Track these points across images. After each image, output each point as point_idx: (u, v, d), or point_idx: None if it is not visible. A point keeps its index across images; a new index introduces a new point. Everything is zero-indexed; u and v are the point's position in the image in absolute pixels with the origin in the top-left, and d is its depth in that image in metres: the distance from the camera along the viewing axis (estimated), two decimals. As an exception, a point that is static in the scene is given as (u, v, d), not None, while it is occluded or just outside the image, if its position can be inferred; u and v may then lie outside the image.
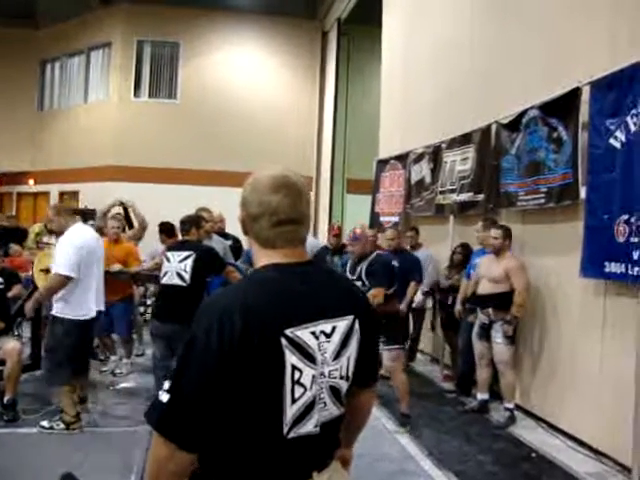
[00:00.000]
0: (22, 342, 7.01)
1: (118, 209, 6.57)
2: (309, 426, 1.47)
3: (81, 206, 13.90)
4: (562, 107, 4.95)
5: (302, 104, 14.69)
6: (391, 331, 4.97)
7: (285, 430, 1.42)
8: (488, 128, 6.21)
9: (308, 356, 1.44)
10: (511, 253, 5.41)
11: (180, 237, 5.45)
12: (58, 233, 4.90)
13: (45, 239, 6.59)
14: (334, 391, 1.53)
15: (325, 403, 1.51)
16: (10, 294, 6.67)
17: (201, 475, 1.47)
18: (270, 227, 1.51)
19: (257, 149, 13.25)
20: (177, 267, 4.94)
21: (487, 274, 5.39)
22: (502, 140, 5.91)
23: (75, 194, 14.69)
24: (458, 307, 6.08)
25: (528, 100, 5.44)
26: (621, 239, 4.21)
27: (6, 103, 15.71)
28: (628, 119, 4.18)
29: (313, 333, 1.46)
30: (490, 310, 5.31)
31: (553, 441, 4.88)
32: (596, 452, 4.52)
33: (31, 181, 16.01)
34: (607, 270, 4.35)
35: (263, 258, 1.55)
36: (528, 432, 5.08)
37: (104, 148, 14.04)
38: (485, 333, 5.38)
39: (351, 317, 1.56)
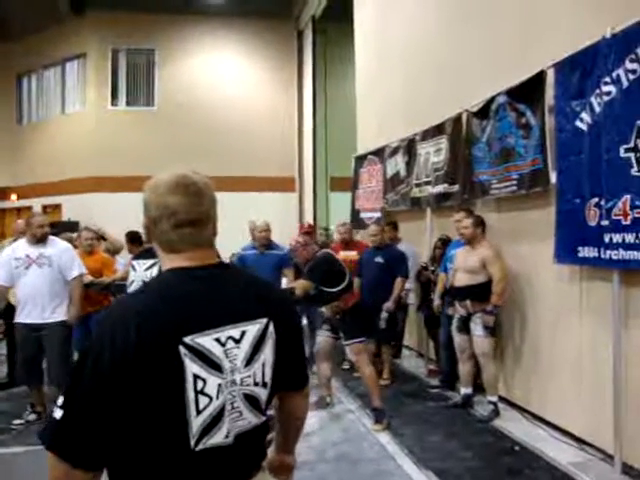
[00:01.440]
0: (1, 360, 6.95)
1: (87, 234, 6.51)
2: (219, 437, 1.38)
3: (64, 219, 13.80)
4: (529, 92, 4.87)
5: (281, 104, 14.61)
6: (348, 325, 5.07)
7: (192, 442, 1.34)
8: (459, 117, 6.12)
9: (212, 364, 1.35)
10: (486, 242, 5.32)
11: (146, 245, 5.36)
12: (45, 240, 5.08)
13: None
14: (250, 399, 1.44)
15: (240, 412, 1.42)
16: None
17: None
18: (170, 229, 1.44)
19: (237, 152, 13.17)
20: (142, 275, 4.85)
21: (463, 265, 5.30)
22: (473, 129, 5.82)
23: (58, 207, 14.55)
24: (436, 301, 5.99)
25: (498, 87, 5.35)
26: (593, 223, 4.12)
27: (-16, 119, 15.57)
28: (592, 99, 4.09)
29: (218, 340, 1.38)
30: (468, 302, 5.22)
31: (537, 432, 4.79)
32: (579, 441, 4.43)
33: (13, 196, 15.87)
34: (581, 255, 4.26)
35: (167, 262, 1.47)
36: (512, 424, 4.98)
37: (84, 159, 13.93)
38: (464, 326, 5.29)
39: (264, 320, 1.48)
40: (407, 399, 5.78)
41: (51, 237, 5.32)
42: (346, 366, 6.78)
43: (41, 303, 5.03)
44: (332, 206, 13.26)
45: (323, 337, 5.33)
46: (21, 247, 5.15)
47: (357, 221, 8.98)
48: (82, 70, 14.87)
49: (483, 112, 5.61)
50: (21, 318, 5.09)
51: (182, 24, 14.16)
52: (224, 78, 14.47)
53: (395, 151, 7.79)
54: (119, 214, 11.07)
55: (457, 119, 6.17)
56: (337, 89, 13.37)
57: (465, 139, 5.99)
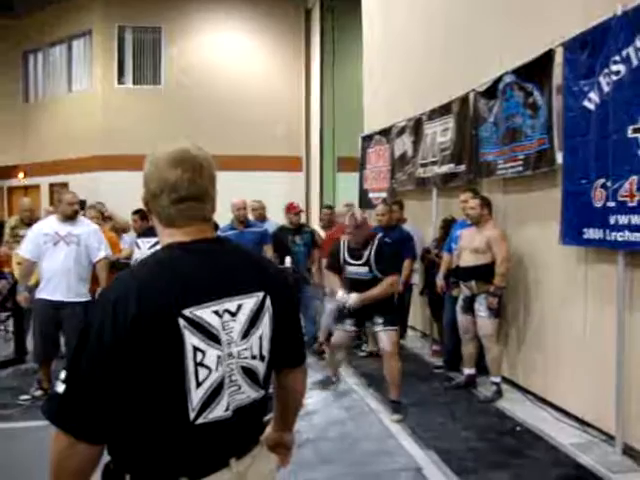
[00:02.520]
0: (8, 337, 7.02)
1: (92, 212, 6.56)
2: (219, 410, 1.40)
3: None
4: (536, 71, 4.81)
5: (288, 84, 14.50)
6: (389, 312, 4.80)
7: (192, 416, 1.36)
8: (466, 97, 6.06)
9: (211, 336, 1.37)
10: (492, 223, 5.29)
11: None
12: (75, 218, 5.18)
13: (21, 232, 6.50)
14: (248, 372, 1.46)
15: (239, 386, 1.44)
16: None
17: (113, 469, 1.41)
18: (170, 204, 1.44)
19: (245, 131, 13.10)
20: (147, 253, 4.85)
21: (469, 245, 5.28)
22: (480, 108, 5.76)
23: (65, 186, 14.55)
24: (440, 282, 5.97)
25: (505, 67, 5.29)
26: (598, 204, 4.09)
27: (-9, 96, 15.54)
28: (601, 79, 4.03)
29: (216, 312, 1.39)
30: (473, 283, 5.21)
31: (540, 413, 4.80)
32: (582, 422, 4.44)
33: (21, 174, 15.90)
34: (586, 236, 4.24)
35: (166, 237, 1.48)
36: (515, 405, 5.00)
37: (90, 138, 13.91)
38: (469, 306, 5.28)
39: (260, 294, 1.49)
40: (411, 379, 5.77)
41: (81, 217, 5.39)
42: (363, 353, 6.68)
43: (66, 281, 5.08)
44: (339, 186, 13.21)
45: (346, 332, 4.99)
46: (51, 223, 5.21)
47: (365, 201, 8.95)
48: (88, 47, 14.78)
49: (490, 92, 5.55)
50: (43, 294, 5.13)
51: (189, 2, 14.03)
52: (231, 56, 14.36)
53: (402, 131, 7.73)
54: (126, 193, 11.08)
55: (464, 99, 6.10)
56: (345, 68, 13.23)
57: (472, 119, 5.93)
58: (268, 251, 6.52)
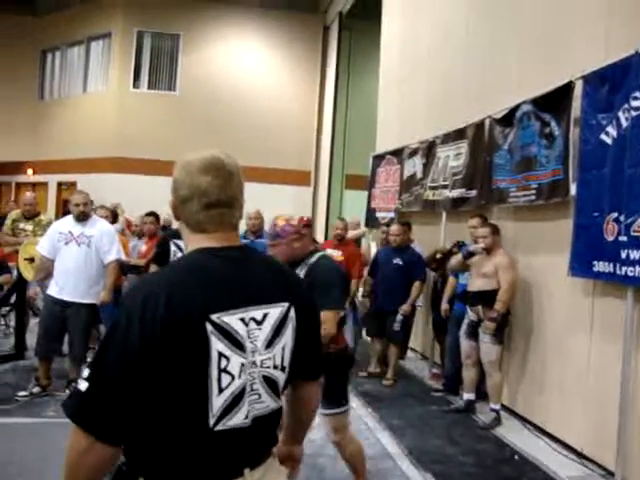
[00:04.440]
0: (8, 332, 7.01)
1: (101, 212, 6.59)
2: (239, 418, 1.40)
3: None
4: (555, 102, 4.83)
5: (302, 98, 14.60)
6: (334, 384, 3.11)
7: (212, 422, 1.36)
8: (482, 123, 6.09)
9: (236, 343, 1.37)
10: (502, 250, 5.30)
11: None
12: (84, 219, 5.15)
13: (21, 225, 6.54)
14: (269, 382, 1.46)
15: (259, 395, 1.44)
16: (-5, 282, 6.64)
17: (127, 471, 1.41)
18: (200, 210, 1.45)
19: (256, 142, 13.17)
20: None
21: (477, 271, 5.28)
22: (495, 135, 5.79)
23: (73, 184, 14.61)
24: (444, 305, 5.97)
25: (522, 95, 5.32)
26: (610, 238, 4.09)
27: (6, 92, 15.67)
28: (620, 114, 4.05)
29: (242, 319, 1.40)
30: (479, 307, 5.21)
31: (538, 443, 4.77)
32: (581, 456, 4.41)
33: (30, 171, 15.96)
34: (595, 269, 4.24)
35: (193, 243, 1.48)
36: (513, 434, 4.97)
37: (103, 139, 13.98)
38: (473, 331, 5.27)
39: (285, 304, 1.49)
40: (409, 400, 5.78)
41: (96, 217, 5.41)
42: (363, 373, 6.53)
43: (74, 281, 5.09)
44: (346, 203, 13.24)
45: None
46: (66, 223, 5.24)
47: (372, 220, 8.97)
48: (106, 50, 14.92)
49: (506, 119, 5.58)
50: (52, 292, 5.15)
51: (209, 11, 14.18)
52: (247, 68, 14.48)
53: (414, 152, 7.76)
54: (134, 195, 11.16)
55: (479, 125, 6.14)
56: (359, 86, 13.34)
57: (486, 145, 5.96)
58: None
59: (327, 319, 2.96)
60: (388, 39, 9.94)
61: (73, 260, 5.09)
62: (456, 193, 6.52)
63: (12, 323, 6.76)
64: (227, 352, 1.35)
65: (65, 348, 5.51)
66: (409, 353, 7.55)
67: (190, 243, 1.49)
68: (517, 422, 5.23)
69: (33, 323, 6.68)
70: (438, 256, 6.31)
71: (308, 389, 1.71)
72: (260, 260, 1.58)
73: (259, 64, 14.58)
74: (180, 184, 1.48)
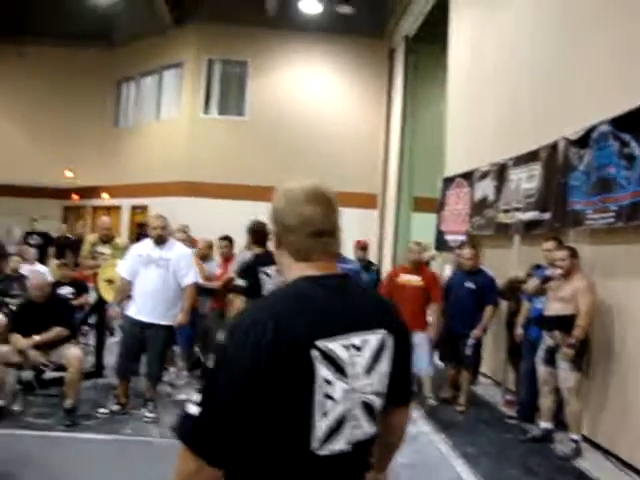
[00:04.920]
0: (88, 350, 7.28)
1: (180, 235, 6.81)
2: (341, 443, 1.41)
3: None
4: (635, 121, 4.70)
5: (369, 121, 14.67)
6: None
7: (315, 446, 1.38)
8: (555, 145, 5.97)
9: (339, 369, 1.40)
10: (581, 274, 5.14)
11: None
12: (162, 242, 5.32)
13: (99, 249, 6.81)
14: (367, 408, 1.47)
15: (358, 421, 1.45)
16: (76, 302, 6.94)
17: None
18: (305, 238, 1.49)
19: (323, 166, 13.27)
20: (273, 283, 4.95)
21: (555, 295, 5.15)
22: (570, 156, 5.67)
23: (145, 208, 15.12)
24: (519, 330, 5.84)
25: (596, 114, 5.20)
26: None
27: (85, 120, 16.46)
28: None
29: (344, 346, 1.42)
30: (557, 333, 5.07)
31: (623, 479, 4.57)
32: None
33: (105, 195, 16.62)
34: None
35: (296, 271, 1.51)
36: (595, 467, 4.77)
37: (174, 164, 14.42)
38: (551, 357, 5.13)
39: (383, 331, 1.51)
40: (483, 427, 5.65)
41: (174, 241, 5.57)
42: (445, 394, 6.46)
43: (152, 303, 5.24)
44: (413, 226, 13.17)
45: None
46: (146, 246, 5.44)
47: (441, 243, 8.90)
48: (178, 78, 15.45)
49: (582, 140, 5.46)
50: (131, 313, 5.34)
51: (276, 38, 14.49)
52: (313, 93, 14.69)
53: (485, 175, 7.68)
54: (204, 218, 11.44)
55: (553, 146, 6.02)
56: (426, 109, 13.31)
57: (561, 167, 5.84)
58: None
59: None
60: (455, 61, 9.92)
61: (151, 282, 5.25)
62: (529, 216, 6.40)
63: (91, 342, 7.01)
64: (331, 378, 1.37)
65: (142, 368, 5.67)
66: (480, 378, 7.40)
67: (292, 271, 1.52)
68: (599, 454, 5.02)
69: (109, 343, 6.93)
70: (510, 285, 6.23)
71: (399, 415, 1.71)
72: (358, 288, 1.62)
73: (325, 89, 14.77)
74: (284, 213, 1.51)
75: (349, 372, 1.41)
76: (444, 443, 5.15)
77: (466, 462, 4.73)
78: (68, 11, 15.38)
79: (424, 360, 5.93)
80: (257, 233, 5.59)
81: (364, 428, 1.47)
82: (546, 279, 5.29)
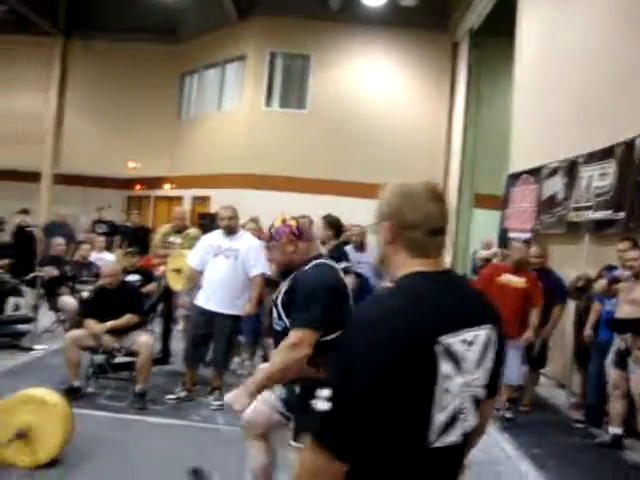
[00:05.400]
0: (154, 337, 7.48)
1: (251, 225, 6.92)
2: (454, 435, 1.45)
3: (212, 211, 14.58)
4: None
5: (431, 115, 14.53)
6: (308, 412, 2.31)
7: (432, 439, 1.41)
8: (632, 142, 5.79)
9: (457, 364, 1.43)
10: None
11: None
12: (231, 232, 5.43)
13: (171, 239, 6.95)
14: (475, 401, 1.51)
15: (467, 413, 1.49)
16: (144, 290, 7.12)
17: None
18: (423, 235, 1.51)
19: (383, 160, 13.23)
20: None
21: (626, 297, 5.01)
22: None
23: (206, 199, 15.39)
24: (588, 332, 5.69)
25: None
26: None
27: (150, 113, 16.92)
28: None
29: (461, 341, 1.45)
30: (629, 336, 4.93)
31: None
32: None
33: (167, 186, 17.00)
34: None
35: (409, 267, 1.52)
36: (668, 474, 4.64)
37: (235, 156, 14.62)
38: (622, 361, 4.99)
39: (489, 327, 1.53)
40: (549, 430, 5.55)
41: (244, 232, 5.67)
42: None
43: (220, 292, 5.34)
44: (474, 223, 12.99)
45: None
46: (216, 236, 5.55)
47: (504, 240, 8.76)
48: (240, 71, 15.64)
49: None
50: (200, 302, 5.45)
51: (339, 32, 14.50)
52: (375, 86, 14.63)
53: (554, 172, 7.51)
54: (265, 211, 11.55)
55: (629, 144, 5.84)
56: (490, 104, 13.08)
57: (637, 165, 5.66)
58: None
59: (300, 340, 2.63)
60: (522, 55, 9.70)
61: (220, 272, 5.35)
62: (600, 215, 6.24)
63: (157, 329, 7.19)
64: (450, 372, 1.40)
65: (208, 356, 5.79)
66: (542, 379, 7.25)
67: (404, 267, 1.52)
68: (671, 462, 4.87)
69: (175, 331, 7.11)
70: (580, 284, 6.05)
71: (488, 405, 1.72)
72: (463, 283, 1.66)
73: (387, 82, 14.70)
74: (404, 210, 1.52)
75: (464, 367, 1.44)
76: (508, 443, 5.08)
77: (533, 464, 4.66)
78: (135, 7, 15.84)
79: (514, 372, 5.54)
80: (336, 227, 5.71)
81: (470, 420, 1.50)
82: (614, 280, 5.15)
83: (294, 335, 2.65)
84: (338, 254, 5.27)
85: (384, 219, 1.56)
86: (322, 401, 1.35)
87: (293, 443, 2.75)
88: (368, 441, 1.35)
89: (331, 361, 1.43)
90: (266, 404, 2.95)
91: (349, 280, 5.21)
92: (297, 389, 2.78)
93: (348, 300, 2.87)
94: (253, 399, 2.71)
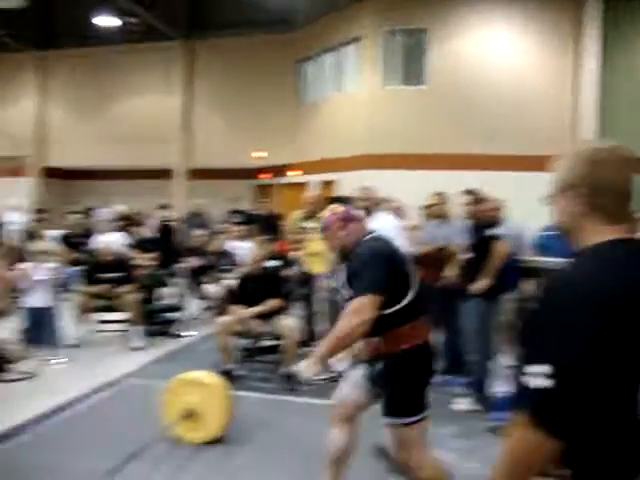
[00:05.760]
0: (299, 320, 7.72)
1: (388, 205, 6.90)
2: None
3: (336, 194, 14.72)
4: None
5: (557, 82, 13.69)
6: (397, 391, 2.94)
7: None
8: None
9: None
10: None
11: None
12: (367, 213, 5.50)
13: (304, 224, 7.10)
14: None
15: None
16: (283, 274, 7.35)
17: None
18: (616, 201, 1.46)
19: (509, 130, 12.75)
20: None
21: None
22: None
23: (331, 183, 15.55)
24: None
25: None
26: None
27: (270, 102, 17.40)
28: None
29: None
30: None
31: None
32: None
33: (292, 173, 17.37)
34: None
35: (603, 234, 1.45)
36: None
37: (357, 138, 14.62)
38: None
39: None
40: None
41: (381, 213, 5.75)
42: None
43: None
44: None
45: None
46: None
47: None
48: (356, 52, 15.57)
49: None
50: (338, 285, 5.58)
51: (454, 4, 14.04)
52: (495, 56, 14.02)
53: None
54: (392, 191, 11.50)
55: None
56: (620, 71, 12.15)
57: None
58: None
59: (360, 305, 2.76)
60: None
61: None
62: None
63: (300, 313, 7.36)
64: None
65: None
66: None
67: (597, 234, 1.46)
68: None
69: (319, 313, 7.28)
70: None
71: None
72: None
73: (508, 51, 14.00)
74: (599, 176, 1.46)
75: None
76: None
77: None
78: (250, 2, 16.33)
79: None
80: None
81: None
82: None
83: (355, 301, 2.81)
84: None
85: (570, 187, 1.49)
86: (539, 378, 1.30)
87: (385, 419, 2.95)
88: (585, 416, 1.30)
89: (531, 335, 1.38)
90: (356, 386, 3.14)
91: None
92: (380, 365, 2.96)
93: (406, 265, 3.06)
94: (322, 366, 2.84)
